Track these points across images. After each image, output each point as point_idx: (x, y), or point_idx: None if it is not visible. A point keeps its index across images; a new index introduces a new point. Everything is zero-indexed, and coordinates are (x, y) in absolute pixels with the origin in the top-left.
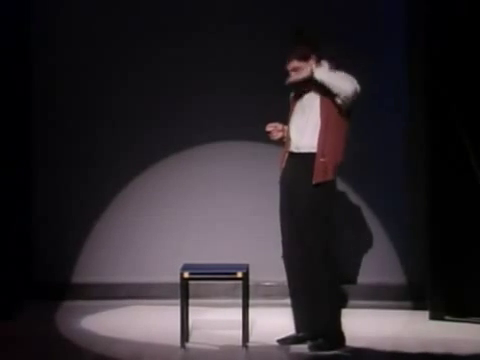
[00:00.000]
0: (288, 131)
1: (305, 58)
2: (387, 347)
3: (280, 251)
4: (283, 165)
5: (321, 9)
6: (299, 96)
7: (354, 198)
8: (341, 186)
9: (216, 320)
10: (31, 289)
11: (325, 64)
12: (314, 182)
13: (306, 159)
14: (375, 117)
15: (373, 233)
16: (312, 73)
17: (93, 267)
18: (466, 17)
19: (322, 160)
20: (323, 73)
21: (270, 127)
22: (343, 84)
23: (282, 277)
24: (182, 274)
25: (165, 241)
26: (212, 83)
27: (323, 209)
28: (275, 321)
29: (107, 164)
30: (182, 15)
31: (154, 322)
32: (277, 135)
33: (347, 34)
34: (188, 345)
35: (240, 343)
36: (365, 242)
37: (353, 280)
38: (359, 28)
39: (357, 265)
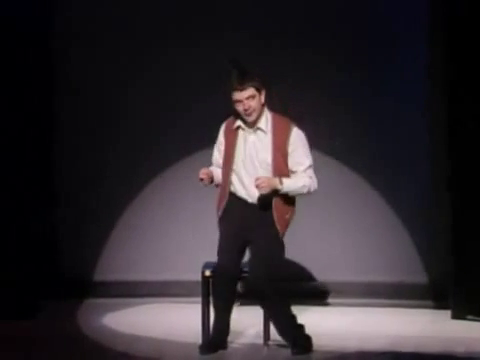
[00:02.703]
0: (229, 171)
1: (254, 97)
2: (409, 346)
3: (297, 250)
4: (224, 206)
5: (345, 6)
6: (242, 130)
7: (377, 198)
8: (364, 185)
9: (237, 318)
10: (54, 287)
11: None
12: (281, 234)
13: (264, 209)
14: (399, 117)
15: (396, 232)
16: (280, 188)
17: (115, 265)
18: None
19: (287, 216)
20: (290, 186)
21: (203, 175)
22: (308, 188)
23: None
24: (204, 272)
25: (187, 239)
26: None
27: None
28: None
29: (129, 164)
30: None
31: (175, 320)
32: (208, 182)
33: (357, 33)
34: None
35: (261, 341)
36: (388, 241)
37: (375, 279)
38: (375, 26)
39: (379, 264)
